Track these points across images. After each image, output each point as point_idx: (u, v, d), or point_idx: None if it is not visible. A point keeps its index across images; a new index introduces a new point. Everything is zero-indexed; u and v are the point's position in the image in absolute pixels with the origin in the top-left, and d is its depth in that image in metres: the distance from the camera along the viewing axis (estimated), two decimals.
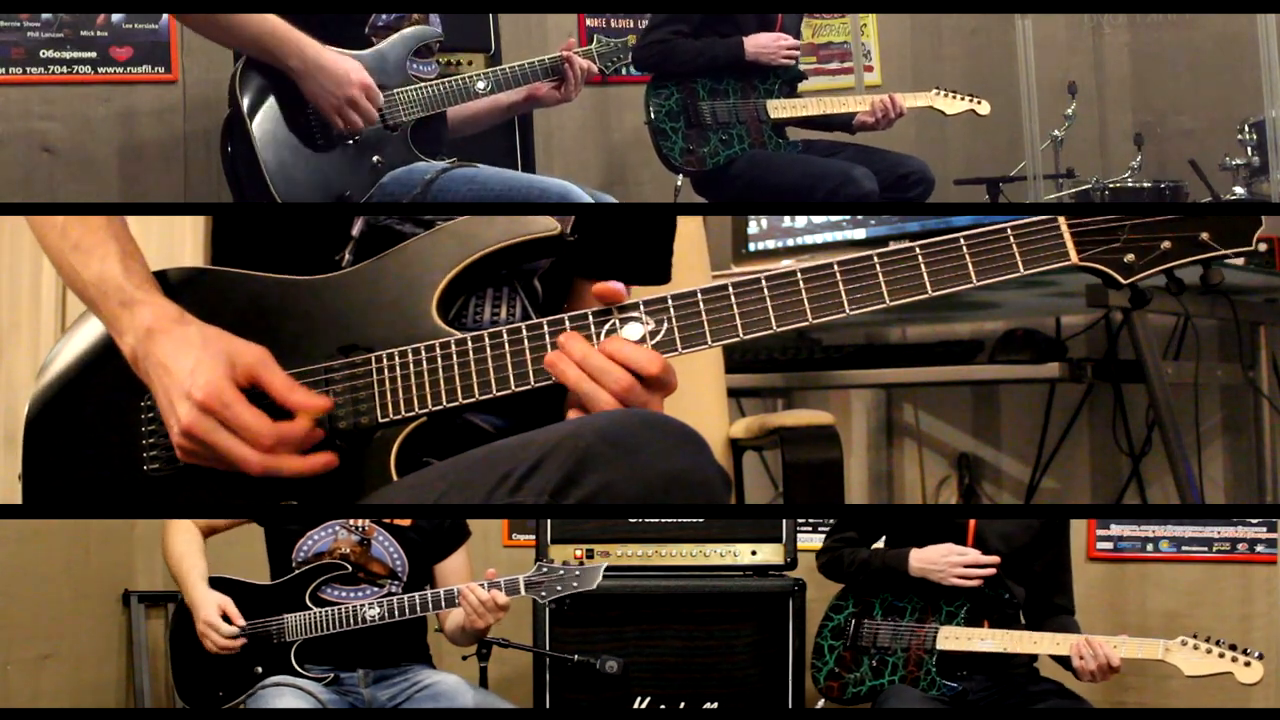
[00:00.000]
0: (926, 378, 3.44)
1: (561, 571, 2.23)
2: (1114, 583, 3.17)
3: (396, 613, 2.31)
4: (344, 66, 2.39)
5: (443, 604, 2.31)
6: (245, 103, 2.39)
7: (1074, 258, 1.39)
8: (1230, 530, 3.12)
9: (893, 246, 1.41)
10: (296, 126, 2.43)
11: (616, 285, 1.41)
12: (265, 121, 2.40)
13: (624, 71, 3.99)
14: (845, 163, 3.26)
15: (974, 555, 2.46)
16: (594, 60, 2.82)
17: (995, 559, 2.45)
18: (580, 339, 1.40)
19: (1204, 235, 1.38)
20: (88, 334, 1.56)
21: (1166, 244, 1.39)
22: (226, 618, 2.32)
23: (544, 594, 2.24)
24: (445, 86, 2.57)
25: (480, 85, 2.63)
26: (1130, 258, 1.39)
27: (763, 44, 3.31)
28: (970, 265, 1.39)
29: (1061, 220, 1.41)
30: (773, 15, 3.40)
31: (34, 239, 3.23)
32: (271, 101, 2.41)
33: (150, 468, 1.48)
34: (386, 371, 1.46)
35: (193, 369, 1.41)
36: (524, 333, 1.43)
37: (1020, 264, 1.39)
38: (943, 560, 2.47)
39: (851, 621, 2.57)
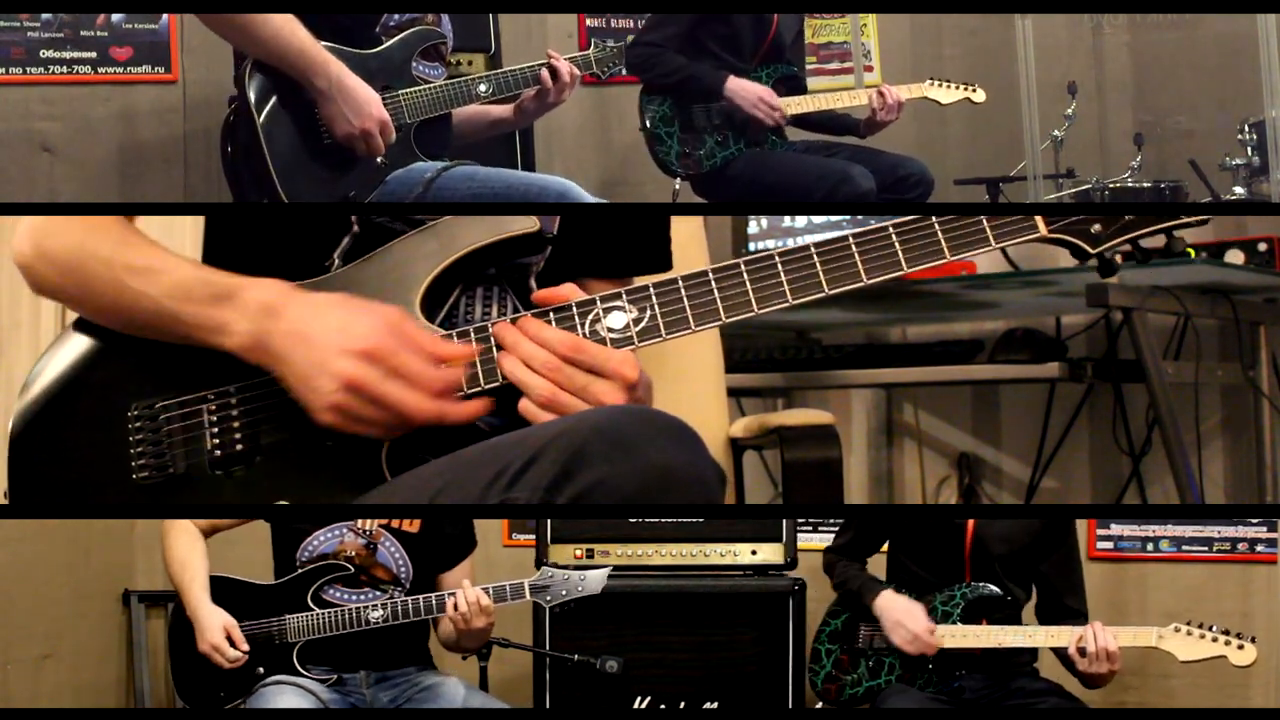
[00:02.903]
0: (926, 378, 3.44)
1: (567, 576, 2.25)
2: (1114, 583, 3.17)
3: (400, 615, 2.31)
4: (366, 97, 2.41)
5: (446, 607, 2.32)
6: (252, 98, 2.39)
7: (1043, 230, 1.45)
8: (1230, 530, 3.11)
9: (868, 228, 1.45)
10: (303, 125, 2.43)
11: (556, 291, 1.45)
12: (272, 119, 2.41)
13: (622, 72, 3.99)
14: (844, 162, 3.26)
15: (923, 629, 2.43)
16: (591, 64, 2.81)
17: (937, 644, 2.43)
18: (510, 329, 1.43)
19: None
20: (69, 351, 1.55)
21: (1129, 215, 1.45)
22: (231, 640, 2.31)
23: (549, 599, 2.26)
24: (447, 89, 2.57)
25: (482, 88, 2.64)
26: (1097, 228, 1.45)
27: (745, 89, 3.28)
28: (943, 241, 1.44)
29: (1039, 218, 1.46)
30: (769, 16, 3.39)
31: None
32: (278, 99, 2.42)
33: (140, 476, 1.48)
34: None
35: (343, 325, 1.38)
36: None
37: (991, 238, 1.44)
38: (894, 619, 2.46)
39: (849, 625, 2.57)
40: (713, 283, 1.43)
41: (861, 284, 1.43)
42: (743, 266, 1.43)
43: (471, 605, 2.25)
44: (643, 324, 1.43)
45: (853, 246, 1.43)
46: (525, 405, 1.42)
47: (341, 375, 1.36)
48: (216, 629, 2.30)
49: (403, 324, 1.40)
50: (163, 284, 1.46)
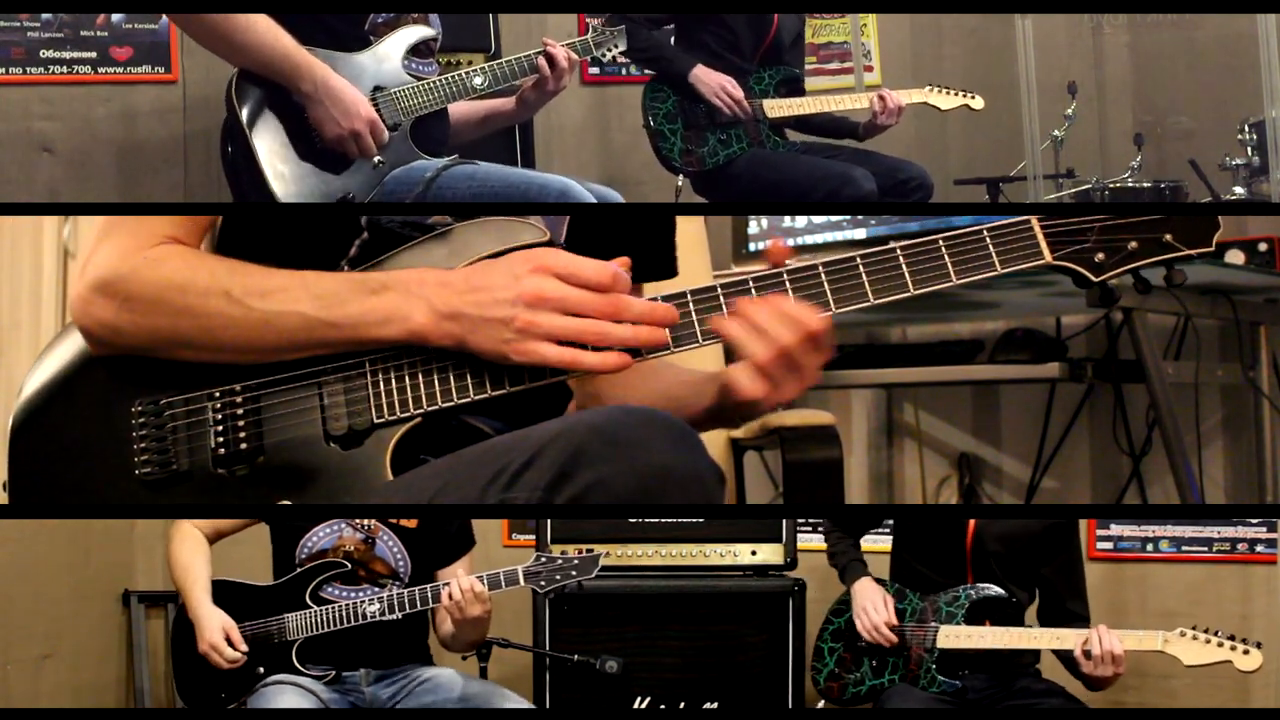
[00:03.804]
0: (926, 378, 3.44)
1: (560, 561, 2.25)
2: (1114, 583, 3.17)
3: (395, 608, 2.31)
4: (353, 97, 2.41)
5: (441, 597, 2.31)
6: (244, 112, 2.38)
7: (1048, 257, 1.46)
8: (1230, 530, 3.12)
9: (875, 248, 1.45)
10: (296, 130, 2.43)
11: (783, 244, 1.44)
12: (265, 127, 2.40)
13: (624, 71, 3.99)
14: (845, 164, 3.26)
15: (880, 620, 2.48)
16: (590, 48, 2.81)
17: (892, 638, 2.48)
18: (752, 300, 1.41)
19: (1168, 237, 1.46)
20: (71, 347, 1.55)
21: (1133, 244, 1.47)
22: (230, 641, 2.32)
23: (543, 584, 2.25)
24: (443, 84, 2.57)
25: (477, 81, 2.63)
26: (1100, 257, 1.47)
27: (710, 78, 3.29)
28: (949, 265, 1.45)
29: (1034, 220, 1.47)
30: (769, 16, 3.40)
31: (35, 240, 3.21)
32: (269, 105, 2.41)
33: (143, 472, 1.48)
34: (381, 373, 1.46)
35: (507, 261, 1.40)
36: None
37: (997, 263, 1.45)
38: (861, 607, 2.51)
39: (852, 624, 2.57)
40: (720, 298, 1.43)
41: (869, 304, 1.44)
42: (751, 283, 1.43)
43: (466, 593, 2.24)
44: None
45: (860, 268, 1.44)
46: (733, 368, 1.41)
47: (521, 294, 1.37)
48: (216, 629, 2.31)
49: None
50: (303, 297, 1.43)
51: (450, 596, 2.26)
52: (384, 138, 2.46)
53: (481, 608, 2.26)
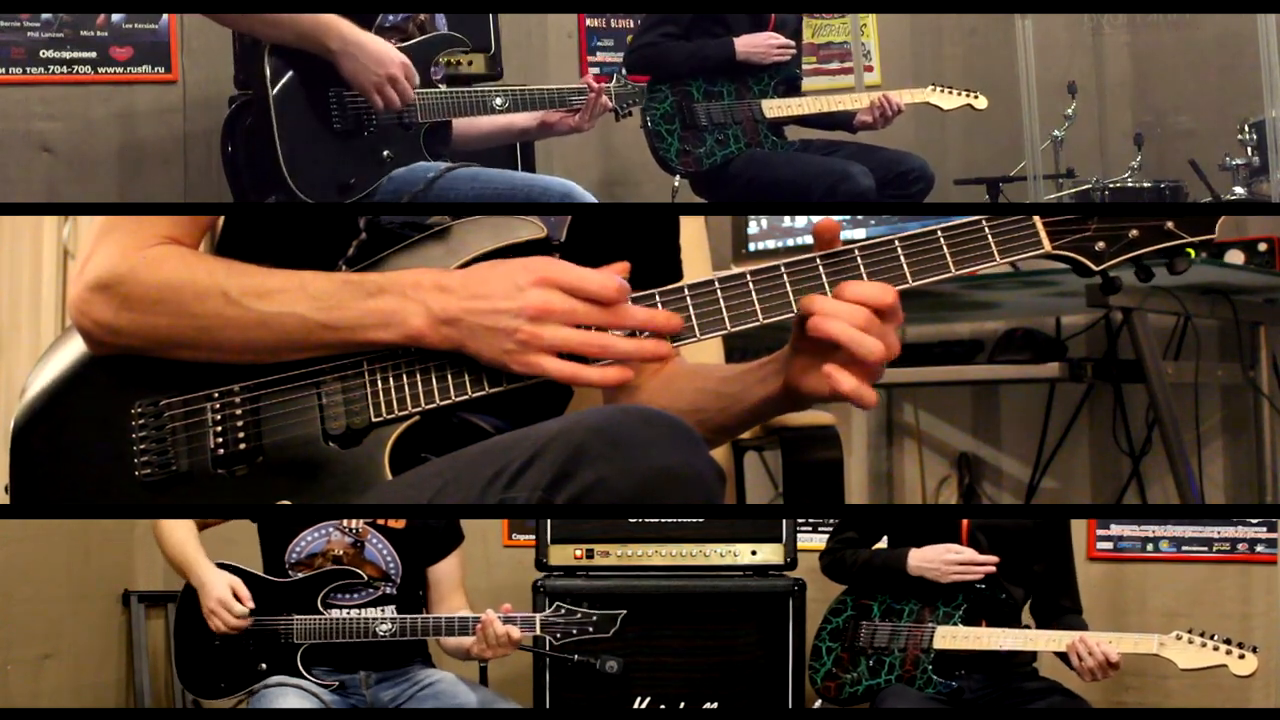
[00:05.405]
0: (926, 378, 3.44)
1: (579, 616, 2.28)
2: (1114, 583, 3.17)
3: (409, 633, 2.32)
4: (383, 46, 2.44)
5: (456, 631, 2.32)
6: (268, 72, 2.39)
7: (1047, 246, 1.43)
8: (1230, 530, 3.12)
9: (873, 240, 1.43)
10: (316, 107, 2.43)
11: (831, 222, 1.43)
12: (284, 98, 2.41)
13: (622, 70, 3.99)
14: (843, 160, 3.26)
15: (970, 554, 2.47)
16: (610, 97, 2.81)
17: (994, 558, 2.47)
18: (817, 296, 1.39)
19: (1169, 224, 1.43)
20: (72, 349, 1.55)
21: (1134, 232, 1.44)
22: (238, 597, 2.31)
23: (559, 635, 2.28)
24: (464, 98, 2.58)
25: (498, 102, 2.65)
26: (1100, 246, 1.44)
27: (754, 43, 3.31)
28: (948, 255, 1.43)
29: (1036, 217, 1.45)
30: (766, 15, 3.40)
31: (34, 240, 3.21)
32: (293, 78, 2.42)
33: (142, 473, 1.48)
34: (379, 371, 1.46)
35: (509, 269, 1.39)
36: None
37: (996, 253, 1.42)
38: (939, 559, 2.48)
39: (850, 624, 2.57)
40: (719, 292, 1.42)
41: None
42: (749, 277, 1.42)
43: (501, 637, 2.27)
44: (648, 332, 1.42)
45: (858, 258, 1.42)
46: (833, 369, 1.38)
47: (529, 306, 1.37)
48: (223, 585, 2.29)
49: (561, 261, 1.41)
50: (301, 299, 1.43)
51: (484, 638, 2.28)
52: (417, 81, 2.48)
53: (509, 651, 2.29)
